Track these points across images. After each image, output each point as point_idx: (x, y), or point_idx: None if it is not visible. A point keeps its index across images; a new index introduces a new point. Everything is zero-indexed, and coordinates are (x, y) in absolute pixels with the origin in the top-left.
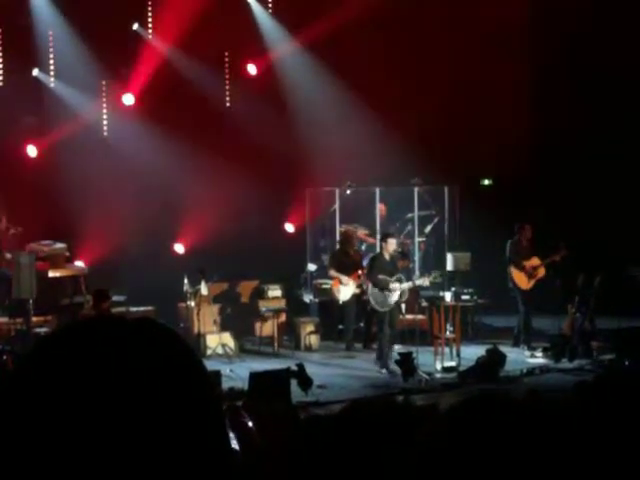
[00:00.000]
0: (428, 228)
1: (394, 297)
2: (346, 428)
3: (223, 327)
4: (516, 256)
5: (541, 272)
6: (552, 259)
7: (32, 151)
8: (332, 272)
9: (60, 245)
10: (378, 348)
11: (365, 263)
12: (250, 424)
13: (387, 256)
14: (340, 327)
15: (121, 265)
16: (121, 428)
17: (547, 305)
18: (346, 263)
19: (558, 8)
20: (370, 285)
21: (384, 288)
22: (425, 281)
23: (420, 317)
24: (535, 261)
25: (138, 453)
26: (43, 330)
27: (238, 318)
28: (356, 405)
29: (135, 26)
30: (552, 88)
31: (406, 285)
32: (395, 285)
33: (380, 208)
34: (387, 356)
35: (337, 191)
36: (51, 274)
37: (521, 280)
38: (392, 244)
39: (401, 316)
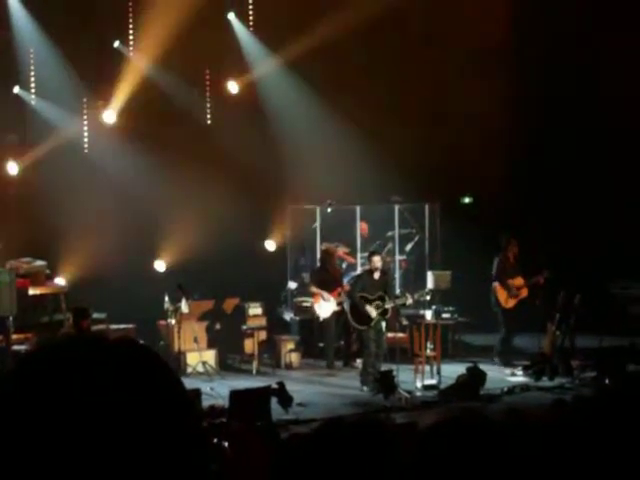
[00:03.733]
0: (409, 246)
1: (373, 315)
2: (321, 447)
3: (210, 344)
4: (502, 274)
5: (524, 293)
6: (536, 281)
7: (13, 168)
8: (313, 288)
9: (40, 262)
10: (363, 365)
11: (346, 281)
12: (226, 445)
13: (374, 274)
14: (320, 345)
15: (102, 283)
16: (98, 448)
17: (527, 323)
18: (327, 280)
19: (539, 27)
20: (349, 302)
21: (362, 306)
22: (408, 300)
23: (400, 335)
24: (519, 281)
25: (115, 474)
26: (23, 348)
27: (219, 336)
28: (330, 424)
29: (116, 44)
30: (533, 105)
31: (388, 304)
32: (374, 304)
33: (362, 227)
34: (370, 374)
35: (318, 209)
36: (31, 291)
37: (504, 298)
38: (375, 262)
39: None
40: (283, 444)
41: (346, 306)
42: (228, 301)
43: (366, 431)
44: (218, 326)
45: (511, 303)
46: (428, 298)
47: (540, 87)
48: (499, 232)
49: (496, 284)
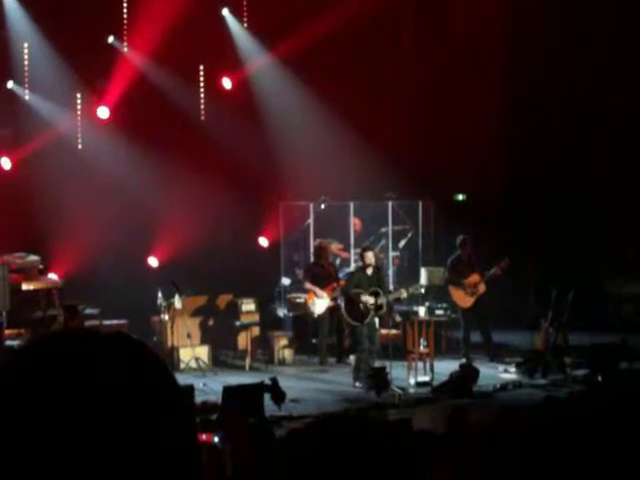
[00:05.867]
0: (402, 243)
1: (369, 311)
2: (313, 443)
3: (203, 340)
4: (454, 274)
5: (481, 289)
6: (493, 274)
7: (6, 163)
8: (307, 285)
9: (33, 257)
10: (356, 362)
11: (341, 276)
12: (216, 440)
13: (367, 270)
14: (314, 341)
15: (95, 278)
16: (91, 442)
17: (520, 320)
18: (321, 276)
19: (539, 26)
20: (344, 298)
21: (357, 302)
22: (403, 294)
23: (394, 332)
24: (475, 278)
25: (108, 467)
26: (16, 343)
27: (212, 332)
28: (323, 420)
29: (110, 39)
30: (529, 103)
31: (382, 299)
32: (367, 299)
33: (355, 222)
34: (363, 370)
35: (311, 205)
36: (24, 287)
37: (460, 298)
38: (369, 257)
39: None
40: (279, 440)
41: (340, 302)
42: (221, 297)
43: (359, 428)
44: (211, 322)
45: (469, 302)
46: (422, 291)
47: (537, 85)
48: (489, 231)
49: (450, 286)
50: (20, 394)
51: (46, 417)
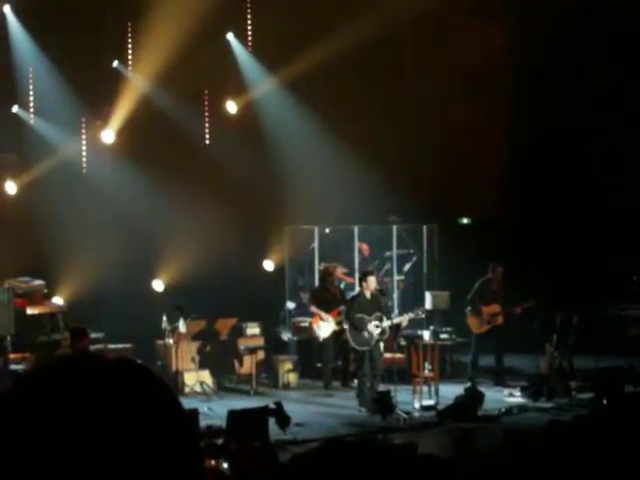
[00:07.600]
0: (407, 267)
1: (373, 336)
2: (321, 467)
3: (202, 365)
4: (479, 299)
5: (499, 321)
6: (514, 310)
7: (11, 187)
8: (313, 308)
9: (38, 282)
10: (358, 386)
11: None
12: (225, 465)
13: (368, 294)
14: (318, 365)
15: (99, 302)
16: (96, 468)
17: (525, 344)
18: (326, 299)
19: (540, 52)
20: (348, 324)
21: (362, 327)
22: (404, 320)
23: (398, 355)
24: (494, 308)
25: None
26: (20, 367)
27: (217, 356)
28: (330, 444)
29: (115, 63)
30: (532, 128)
31: (386, 324)
32: (373, 324)
33: (363, 247)
34: (367, 394)
35: (316, 229)
36: (29, 311)
37: (474, 324)
38: (372, 282)
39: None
40: (285, 465)
41: (346, 327)
42: (220, 321)
43: (366, 452)
44: (215, 346)
45: (484, 328)
46: (423, 316)
47: (539, 111)
48: (494, 255)
49: (468, 310)
50: (26, 419)
51: (52, 442)
